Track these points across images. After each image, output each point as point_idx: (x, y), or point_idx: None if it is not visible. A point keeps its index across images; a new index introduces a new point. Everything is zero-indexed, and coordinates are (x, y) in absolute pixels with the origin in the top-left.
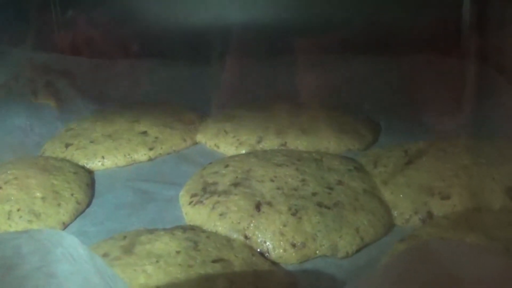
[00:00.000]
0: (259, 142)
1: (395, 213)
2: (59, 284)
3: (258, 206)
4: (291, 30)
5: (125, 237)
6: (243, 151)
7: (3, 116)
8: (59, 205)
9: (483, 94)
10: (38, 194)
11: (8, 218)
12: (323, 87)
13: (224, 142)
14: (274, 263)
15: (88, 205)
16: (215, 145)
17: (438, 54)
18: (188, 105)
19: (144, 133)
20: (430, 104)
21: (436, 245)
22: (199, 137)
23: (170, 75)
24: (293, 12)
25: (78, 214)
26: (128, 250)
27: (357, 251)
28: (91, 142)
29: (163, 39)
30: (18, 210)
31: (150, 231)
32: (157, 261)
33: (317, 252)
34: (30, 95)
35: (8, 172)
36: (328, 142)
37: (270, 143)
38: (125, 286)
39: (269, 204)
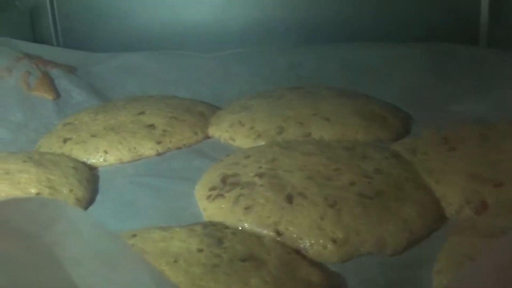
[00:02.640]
0: (279, 133)
1: (443, 203)
2: None
3: (289, 198)
4: (308, 17)
5: (134, 235)
6: (262, 143)
7: None
8: None
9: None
10: (32, 190)
11: None
12: (344, 74)
13: (240, 134)
14: (312, 262)
15: (90, 202)
16: (230, 138)
17: (461, 42)
18: (196, 96)
19: (151, 126)
20: (457, 91)
21: None
22: (212, 130)
23: (176, 66)
24: None
25: None
26: (139, 249)
27: (406, 247)
28: (92, 136)
29: (168, 30)
30: None
31: (164, 229)
32: (175, 261)
33: (362, 249)
34: (24, 87)
35: None
36: (356, 131)
37: (292, 133)
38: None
39: (302, 195)
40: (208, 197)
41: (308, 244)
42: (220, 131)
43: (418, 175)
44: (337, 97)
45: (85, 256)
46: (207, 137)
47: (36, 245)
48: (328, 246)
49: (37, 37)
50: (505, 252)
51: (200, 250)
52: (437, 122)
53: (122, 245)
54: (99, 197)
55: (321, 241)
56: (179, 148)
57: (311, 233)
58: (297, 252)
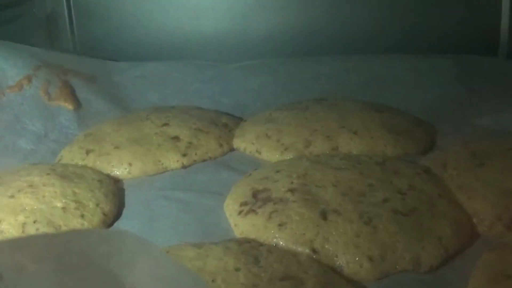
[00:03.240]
0: (307, 146)
1: (475, 220)
2: None
3: (324, 215)
4: (332, 27)
5: (167, 252)
6: (290, 157)
7: (14, 119)
8: (82, 216)
9: None
10: (58, 204)
11: (23, 232)
12: (369, 86)
13: (266, 147)
14: (349, 280)
15: (116, 217)
16: (256, 150)
17: (482, 54)
18: (219, 107)
19: (176, 138)
20: (480, 104)
21: None
22: (237, 142)
23: (198, 76)
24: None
25: (105, 227)
26: None
27: (441, 264)
28: (116, 148)
29: (190, 39)
30: (35, 222)
31: (197, 246)
32: (212, 281)
33: (398, 266)
34: (44, 97)
35: (22, 179)
36: (384, 145)
37: (320, 147)
38: None
39: (336, 212)
40: (240, 212)
41: (344, 261)
42: (246, 143)
43: (450, 191)
44: (363, 109)
45: (150, 283)
46: (232, 149)
47: (100, 275)
48: (364, 264)
49: (54, 45)
50: None
51: (237, 269)
52: (462, 135)
53: (186, 270)
54: (125, 212)
55: (357, 258)
56: (204, 160)
57: (347, 250)
58: (334, 270)
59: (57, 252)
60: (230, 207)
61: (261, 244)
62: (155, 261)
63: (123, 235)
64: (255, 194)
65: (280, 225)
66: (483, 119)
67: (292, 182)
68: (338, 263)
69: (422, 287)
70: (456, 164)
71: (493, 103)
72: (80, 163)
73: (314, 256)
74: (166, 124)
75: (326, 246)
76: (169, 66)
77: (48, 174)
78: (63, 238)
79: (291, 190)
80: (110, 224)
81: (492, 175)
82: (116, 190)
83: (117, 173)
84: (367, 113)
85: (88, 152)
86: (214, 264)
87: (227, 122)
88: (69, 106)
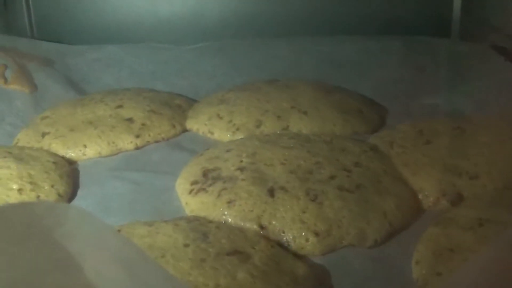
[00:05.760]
0: (258, 126)
1: (420, 195)
2: None
3: (271, 192)
4: (285, 10)
5: (119, 230)
6: (241, 137)
7: None
8: (38, 197)
9: (484, 72)
10: (14, 186)
11: None
12: (320, 67)
13: (218, 127)
14: (295, 254)
15: (71, 198)
16: (208, 131)
17: (434, 35)
18: (173, 89)
19: (130, 119)
20: (432, 84)
21: None
22: (190, 123)
23: (153, 59)
24: None
25: None
26: None
27: (386, 238)
28: (71, 130)
29: (145, 22)
30: None
31: (148, 224)
32: (162, 256)
33: (343, 241)
34: (0, 81)
35: None
36: (333, 125)
37: (271, 127)
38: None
39: (284, 189)
40: (190, 191)
41: (291, 237)
42: (199, 124)
43: (396, 168)
44: (314, 90)
45: (92, 253)
46: (185, 130)
47: (44, 246)
48: (310, 239)
49: (11, 29)
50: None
51: (186, 245)
52: (412, 115)
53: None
54: (80, 192)
55: (303, 234)
56: (157, 141)
57: (293, 226)
58: (281, 245)
59: (2, 224)
60: (181, 186)
61: (210, 221)
62: (98, 232)
63: (67, 208)
64: (205, 173)
65: (228, 202)
66: (433, 99)
67: (241, 161)
68: (284, 238)
69: (367, 261)
70: (403, 141)
71: (442, 84)
72: (36, 146)
73: (261, 232)
74: (120, 106)
75: (273, 222)
76: (124, 49)
77: (5, 157)
78: (10, 210)
79: (240, 169)
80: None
81: (437, 152)
82: (70, 172)
83: (72, 155)
84: (318, 93)
85: (43, 134)
86: (164, 241)
87: (180, 104)
88: (26, 90)
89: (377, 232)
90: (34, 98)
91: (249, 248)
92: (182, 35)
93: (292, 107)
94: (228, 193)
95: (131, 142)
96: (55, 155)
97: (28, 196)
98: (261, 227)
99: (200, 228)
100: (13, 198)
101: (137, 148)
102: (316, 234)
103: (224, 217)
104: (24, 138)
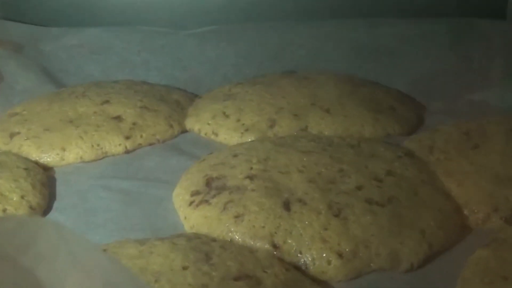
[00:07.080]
0: (271, 126)
1: (465, 211)
2: None
3: (287, 205)
4: None
5: (104, 250)
6: (251, 139)
7: None
8: (4, 211)
9: None
10: None
11: None
12: (347, 56)
13: (224, 127)
14: (314, 280)
15: (46, 211)
16: (212, 132)
17: (486, 17)
18: (171, 82)
19: (118, 117)
20: (479, 77)
21: None
22: (190, 122)
23: (146, 45)
24: None
25: None
26: None
27: (424, 262)
28: (46, 130)
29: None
30: None
31: (140, 242)
32: (156, 281)
33: (372, 264)
34: None
35: None
36: (361, 125)
37: (287, 127)
38: None
39: (301, 201)
40: (190, 203)
41: (309, 258)
42: (200, 123)
43: (436, 177)
44: (339, 84)
45: (72, 279)
46: (184, 130)
47: (14, 269)
48: (333, 261)
49: None
50: None
51: (185, 268)
52: (456, 114)
53: (116, 265)
54: (57, 204)
55: (324, 255)
56: (151, 144)
57: (312, 246)
58: (297, 268)
59: None
60: (179, 197)
61: (214, 240)
62: (79, 253)
63: (41, 223)
64: (208, 182)
65: (236, 217)
66: (481, 94)
67: (251, 168)
68: (302, 260)
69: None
70: (445, 146)
71: (493, 76)
72: (2, 149)
73: (274, 253)
74: (106, 102)
75: (289, 241)
76: (111, 32)
77: None
78: None
79: (250, 177)
80: None
81: (488, 159)
82: (45, 180)
83: (48, 159)
84: (343, 87)
85: (12, 135)
86: (158, 263)
87: (179, 99)
88: None
89: (413, 254)
90: (0, 91)
91: (260, 272)
92: (181, 17)
93: (312, 103)
94: (235, 206)
95: (120, 144)
96: (26, 160)
97: None
98: (275, 246)
99: (202, 247)
100: None
101: (127, 151)
102: (340, 255)
103: (230, 234)
104: None
